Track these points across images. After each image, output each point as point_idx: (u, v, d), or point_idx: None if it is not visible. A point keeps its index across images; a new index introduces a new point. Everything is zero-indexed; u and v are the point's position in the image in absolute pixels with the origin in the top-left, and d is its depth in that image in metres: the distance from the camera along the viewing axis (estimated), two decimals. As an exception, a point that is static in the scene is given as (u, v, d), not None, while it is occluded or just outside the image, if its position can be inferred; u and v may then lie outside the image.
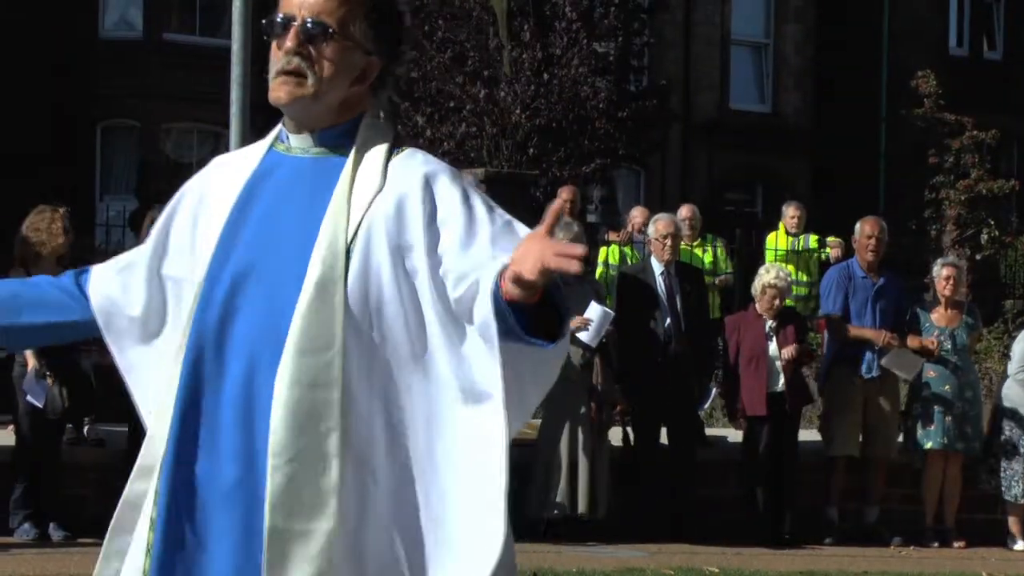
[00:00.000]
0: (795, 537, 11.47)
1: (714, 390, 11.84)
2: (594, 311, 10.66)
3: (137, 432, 7.29)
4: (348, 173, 3.24)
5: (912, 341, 11.69)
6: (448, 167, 3.29)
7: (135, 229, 12.91)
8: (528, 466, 10.97)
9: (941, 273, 11.97)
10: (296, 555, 3.06)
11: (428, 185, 3.19)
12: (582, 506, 10.83)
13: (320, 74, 3.25)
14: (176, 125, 26.71)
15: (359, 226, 3.18)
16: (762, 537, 11.30)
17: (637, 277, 11.48)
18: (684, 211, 14.20)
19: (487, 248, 3.13)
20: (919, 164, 22.76)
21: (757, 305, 11.43)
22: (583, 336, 10.65)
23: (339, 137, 3.31)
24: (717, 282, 13.86)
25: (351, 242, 3.16)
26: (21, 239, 10.35)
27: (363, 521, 3.10)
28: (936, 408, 11.67)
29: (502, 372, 3.05)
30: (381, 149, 3.28)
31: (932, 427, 11.67)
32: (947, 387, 11.72)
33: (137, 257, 3.40)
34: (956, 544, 11.75)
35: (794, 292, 14.47)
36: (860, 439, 11.77)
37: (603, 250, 14.90)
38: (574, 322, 10.64)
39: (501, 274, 2.98)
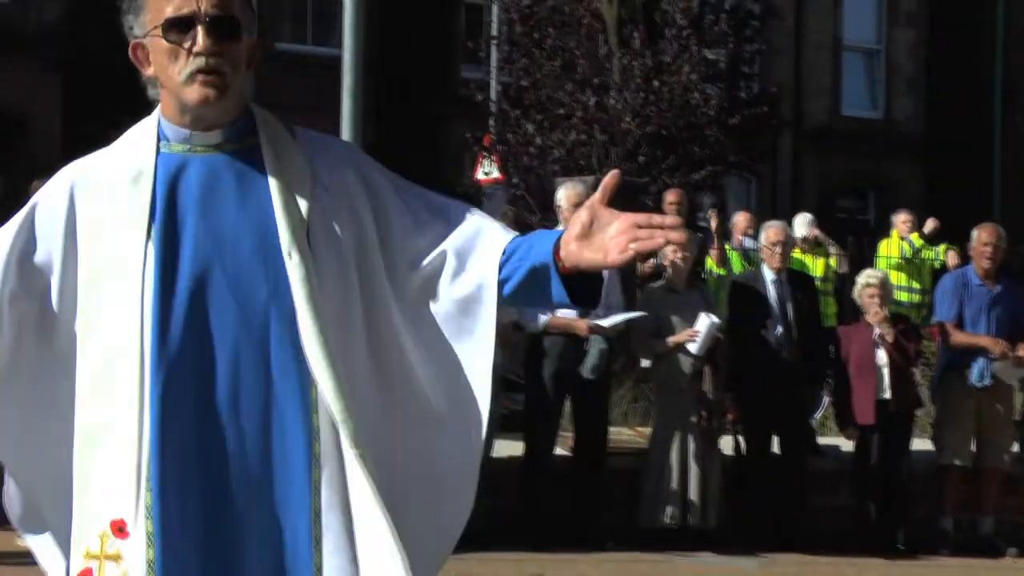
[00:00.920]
0: (909, 548, 11.35)
1: (826, 399, 11.74)
2: (702, 323, 10.62)
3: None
4: (272, 166, 3.21)
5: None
6: (361, 153, 3.40)
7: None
8: (639, 474, 10.96)
9: (1057, 282, 11.82)
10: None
11: (363, 179, 3.26)
12: (693, 515, 10.80)
13: (233, 70, 3.17)
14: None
15: (309, 219, 3.18)
16: (875, 547, 11.19)
17: (748, 285, 11.41)
18: (805, 228, 14.29)
19: (443, 224, 3.27)
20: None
21: (865, 313, 11.34)
22: (689, 346, 10.63)
23: (243, 129, 3.25)
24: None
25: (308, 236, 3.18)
26: None
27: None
28: (1052, 418, 11.54)
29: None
30: (286, 136, 3.29)
31: (1048, 436, 11.54)
32: (1064, 397, 11.58)
33: None
34: (1074, 556, 11.59)
35: (907, 299, 14.36)
36: (973, 448, 11.64)
37: (708, 259, 14.87)
38: (683, 335, 10.61)
39: (556, 246, 3.11)
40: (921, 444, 11.95)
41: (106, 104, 23.92)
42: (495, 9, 22.22)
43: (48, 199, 3.23)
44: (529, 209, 18.89)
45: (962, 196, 29.32)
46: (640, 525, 10.88)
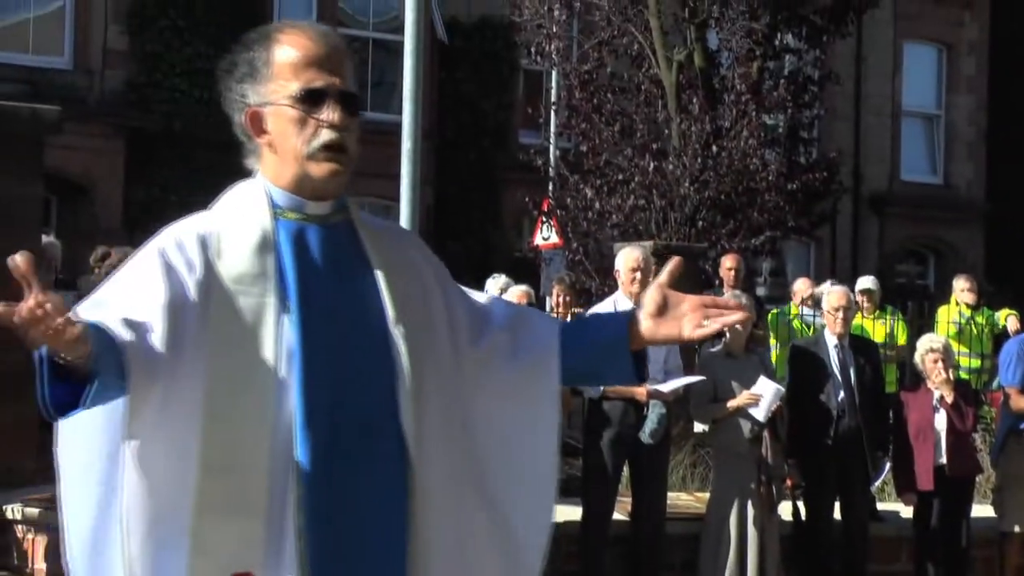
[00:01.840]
0: (970, 615, 11.26)
1: (887, 464, 11.67)
2: (767, 388, 10.59)
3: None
4: (369, 242, 3.36)
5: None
6: (418, 237, 3.66)
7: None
8: (697, 539, 10.92)
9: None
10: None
11: (427, 260, 3.47)
12: (752, 581, 10.74)
13: (354, 146, 3.28)
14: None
15: (404, 294, 3.34)
16: (936, 614, 11.11)
17: (810, 350, 11.38)
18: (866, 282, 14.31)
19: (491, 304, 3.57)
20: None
21: (927, 379, 11.29)
22: (754, 412, 10.60)
23: (342, 204, 3.38)
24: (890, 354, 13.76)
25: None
26: None
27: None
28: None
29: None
30: (359, 211, 3.44)
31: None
32: None
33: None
34: None
35: (967, 364, 14.28)
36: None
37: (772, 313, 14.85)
38: (742, 398, 10.59)
39: (629, 324, 3.35)
40: (982, 510, 11.85)
41: (164, 171, 24.24)
42: (555, 75, 22.32)
43: (180, 250, 3.24)
44: (587, 274, 18.93)
45: (1022, 260, 29.18)
46: (699, 591, 10.84)
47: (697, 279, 15.08)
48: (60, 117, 12.30)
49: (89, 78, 24.44)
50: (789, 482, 11.31)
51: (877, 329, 14.08)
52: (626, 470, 10.97)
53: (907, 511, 11.72)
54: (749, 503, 10.69)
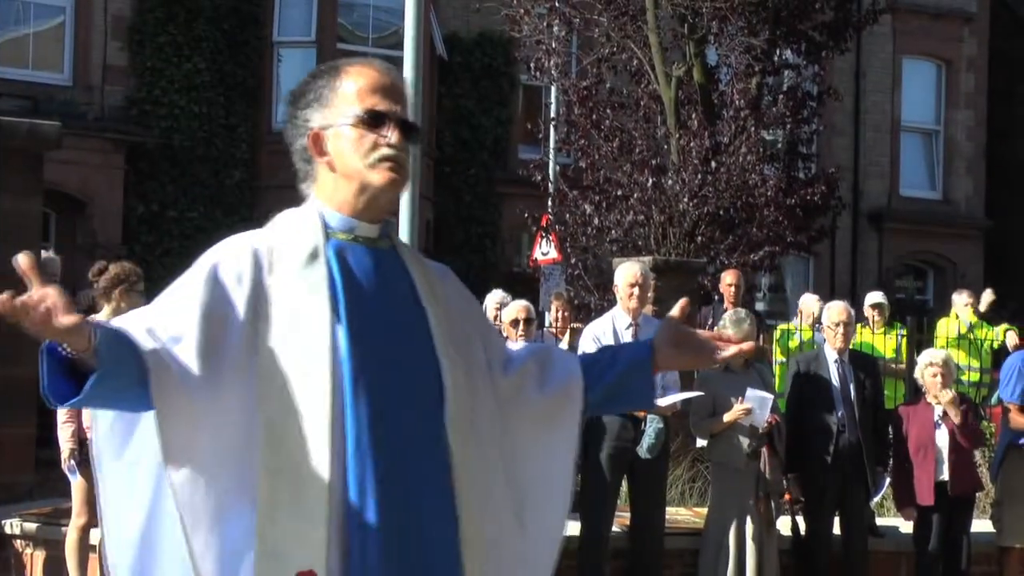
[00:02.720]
0: (970, 630, 11.24)
1: (887, 480, 11.67)
2: (754, 397, 10.58)
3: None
4: (413, 268, 3.57)
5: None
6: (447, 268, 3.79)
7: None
8: (696, 554, 10.92)
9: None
10: None
11: (459, 290, 3.71)
12: (751, 596, 10.73)
13: (408, 170, 3.50)
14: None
15: (447, 320, 3.53)
16: (936, 630, 11.09)
17: (809, 365, 11.38)
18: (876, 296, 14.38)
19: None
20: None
21: (926, 393, 11.28)
22: (751, 421, 10.58)
23: (387, 229, 3.59)
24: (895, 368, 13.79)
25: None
26: None
27: None
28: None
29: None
30: (400, 240, 3.67)
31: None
32: None
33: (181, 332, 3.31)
34: None
35: (966, 379, 14.27)
36: (1035, 530, 11.52)
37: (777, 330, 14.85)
38: (734, 412, 10.57)
39: (651, 353, 3.65)
40: (980, 525, 11.85)
41: (163, 187, 24.26)
42: (554, 90, 22.35)
43: (231, 263, 3.38)
44: (586, 289, 18.93)
45: (1021, 276, 29.20)
46: (698, 606, 10.83)
47: (696, 294, 15.08)
48: (59, 132, 12.33)
49: (88, 94, 24.47)
50: (787, 497, 11.30)
51: (887, 344, 14.08)
52: (625, 485, 10.97)
53: (906, 526, 11.70)
54: (748, 518, 10.68)
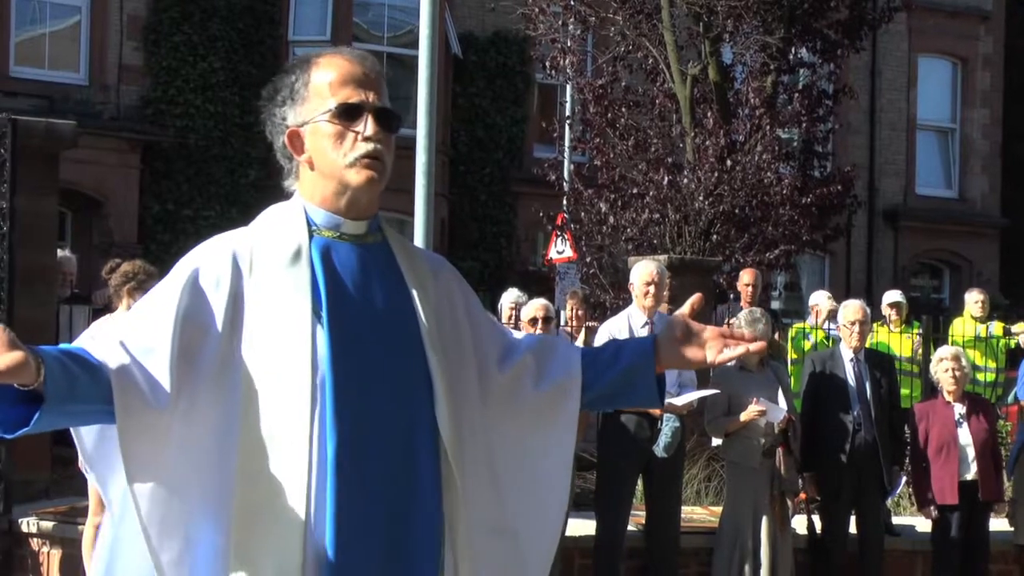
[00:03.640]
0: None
1: (903, 478, 11.64)
2: (772, 412, 10.56)
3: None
4: (404, 263, 3.49)
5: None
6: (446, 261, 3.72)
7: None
8: (711, 553, 10.91)
9: None
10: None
11: (457, 284, 3.62)
12: (767, 595, 10.73)
13: (389, 160, 3.41)
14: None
15: (437, 314, 3.48)
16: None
17: (825, 364, 11.36)
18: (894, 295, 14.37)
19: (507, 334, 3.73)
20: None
21: (943, 391, 11.26)
22: (769, 418, 10.56)
23: (376, 225, 3.50)
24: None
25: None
26: None
27: None
28: None
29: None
30: (402, 237, 3.59)
31: None
32: None
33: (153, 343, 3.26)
34: None
35: (982, 379, 14.24)
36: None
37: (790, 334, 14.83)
38: (751, 413, 10.55)
39: (654, 351, 3.56)
40: (996, 523, 11.82)
41: (178, 186, 24.30)
42: (569, 89, 22.34)
43: (210, 265, 3.33)
44: (601, 287, 18.92)
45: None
46: (714, 605, 10.83)
47: (711, 293, 15.06)
48: (75, 132, 12.34)
49: (104, 93, 24.51)
50: (803, 496, 11.29)
51: (904, 344, 14.06)
52: (640, 483, 10.96)
53: (923, 525, 11.69)
54: (763, 517, 10.67)
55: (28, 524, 11.23)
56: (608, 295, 18.54)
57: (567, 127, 22.17)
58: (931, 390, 12.01)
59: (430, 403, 3.38)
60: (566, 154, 22.27)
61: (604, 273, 19.31)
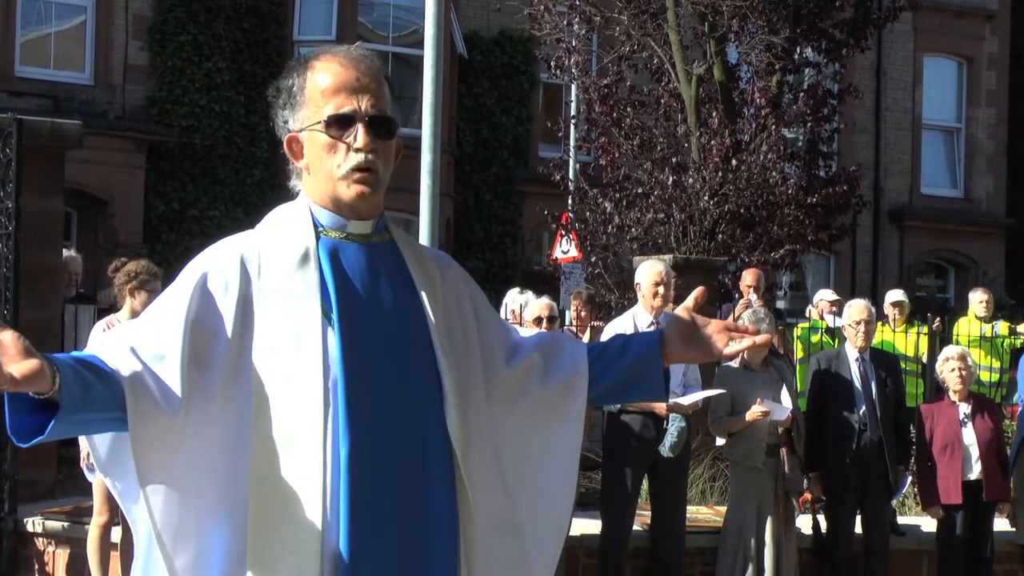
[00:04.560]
0: (991, 629, 11.20)
1: (908, 478, 11.64)
2: (776, 411, 10.54)
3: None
4: (412, 262, 3.48)
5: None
6: (452, 259, 3.72)
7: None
8: (716, 552, 10.91)
9: None
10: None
11: (465, 282, 3.62)
12: (772, 594, 10.72)
13: (385, 167, 3.38)
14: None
15: (444, 313, 3.48)
16: (958, 628, 11.06)
17: (830, 363, 11.35)
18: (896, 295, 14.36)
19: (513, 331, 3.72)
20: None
21: (949, 391, 11.26)
22: (774, 418, 10.54)
23: (383, 224, 3.48)
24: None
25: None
26: None
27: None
28: None
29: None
30: (408, 236, 3.58)
31: None
32: None
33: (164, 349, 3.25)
34: None
35: (987, 379, 14.24)
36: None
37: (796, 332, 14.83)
38: (755, 414, 10.54)
39: (660, 344, 3.56)
40: (999, 523, 11.81)
41: (184, 186, 24.31)
42: (574, 88, 22.33)
43: (218, 269, 3.32)
44: (607, 287, 18.92)
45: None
46: (719, 605, 10.82)
47: (716, 293, 15.05)
48: (81, 132, 12.35)
49: (110, 93, 24.53)
50: (807, 496, 11.29)
51: (908, 343, 14.05)
52: (645, 483, 10.96)
53: (928, 525, 11.68)
54: (767, 517, 10.67)
55: (33, 524, 11.24)
56: (613, 295, 18.54)
57: (572, 127, 22.17)
58: (936, 390, 12.00)
59: (440, 402, 3.38)
60: (571, 154, 22.27)
61: (609, 273, 19.31)
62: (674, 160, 19.07)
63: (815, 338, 14.44)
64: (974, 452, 11.03)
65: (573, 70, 20.63)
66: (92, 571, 10.23)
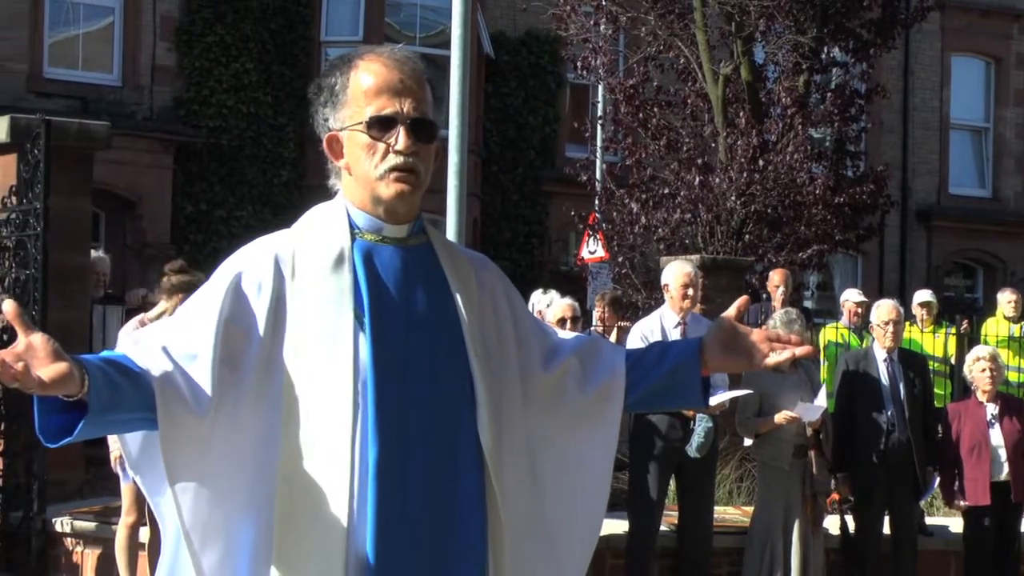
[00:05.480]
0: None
1: (937, 479, 11.61)
2: (809, 412, 10.51)
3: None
4: (447, 265, 3.47)
5: None
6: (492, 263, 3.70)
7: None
8: (742, 553, 10.89)
9: None
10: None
11: (503, 284, 3.60)
12: (799, 595, 10.70)
13: (425, 169, 3.37)
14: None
15: (480, 317, 3.46)
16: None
17: (859, 364, 11.32)
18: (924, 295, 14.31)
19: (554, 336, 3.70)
20: None
21: (978, 391, 11.22)
22: (805, 419, 10.52)
23: (420, 227, 3.47)
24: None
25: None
26: None
27: None
28: None
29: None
30: (446, 238, 3.58)
31: None
32: None
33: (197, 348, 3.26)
34: None
35: (1015, 379, 14.18)
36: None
37: (821, 332, 14.79)
38: (781, 417, 10.51)
39: (700, 352, 3.53)
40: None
41: (211, 186, 24.37)
42: (601, 89, 22.32)
43: (252, 269, 3.33)
44: (634, 287, 18.90)
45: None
46: (746, 605, 10.81)
47: (743, 293, 15.01)
48: (109, 132, 12.40)
49: (138, 94, 24.59)
50: (835, 497, 11.26)
51: (935, 343, 14.01)
52: (672, 483, 10.95)
53: (956, 525, 11.64)
54: (795, 517, 10.64)
55: (62, 524, 11.28)
56: (640, 295, 18.52)
57: (599, 127, 22.15)
58: (964, 390, 11.96)
59: (472, 407, 3.37)
60: (598, 154, 22.26)
61: (636, 273, 19.30)
62: (700, 160, 19.05)
63: (832, 335, 14.39)
64: (1002, 453, 11.00)
65: (599, 70, 20.61)
66: (120, 571, 10.26)
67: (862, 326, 14.02)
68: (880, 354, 11.21)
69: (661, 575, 10.92)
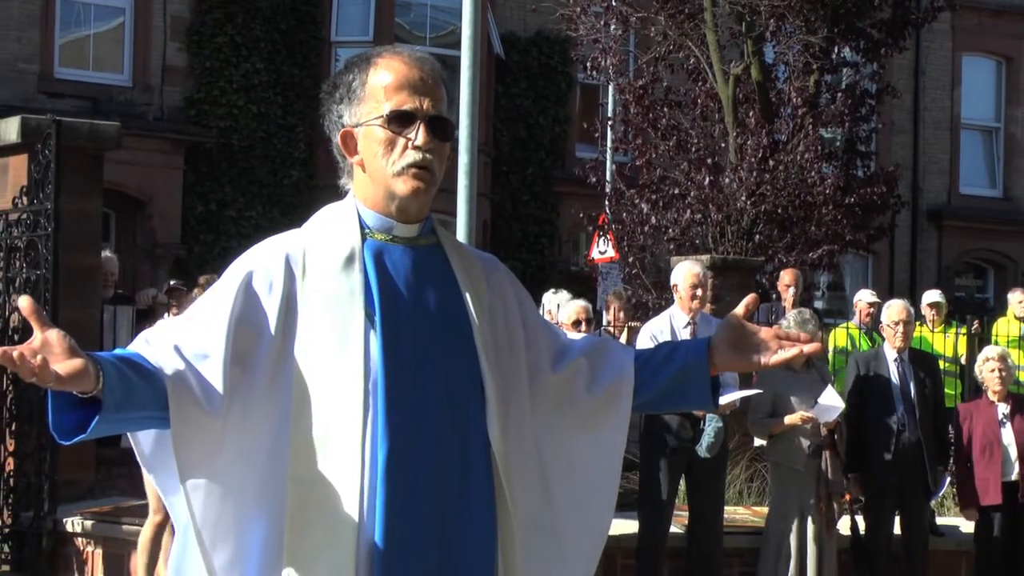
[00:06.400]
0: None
1: (947, 479, 11.59)
2: (825, 413, 10.49)
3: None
4: (457, 266, 3.47)
5: None
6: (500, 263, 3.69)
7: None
8: (754, 553, 10.89)
9: None
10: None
11: (512, 285, 3.60)
12: (810, 596, 10.69)
13: (440, 168, 3.38)
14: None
15: (490, 317, 3.47)
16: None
17: (869, 364, 11.31)
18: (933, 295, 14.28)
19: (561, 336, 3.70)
20: None
21: (988, 391, 11.21)
22: (821, 419, 10.50)
23: (429, 227, 3.48)
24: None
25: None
26: None
27: None
28: None
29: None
30: (455, 239, 3.58)
31: None
32: None
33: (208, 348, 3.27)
34: None
35: (1024, 378, 14.17)
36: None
37: (832, 334, 14.79)
38: (795, 417, 10.50)
39: (708, 352, 3.54)
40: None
41: (221, 187, 24.39)
42: (611, 89, 22.32)
43: (263, 268, 3.34)
44: (644, 288, 18.90)
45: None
46: (757, 605, 10.80)
47: (754, 292, 14.99)
48: (119, 133, 12.41)
49: (148, 94, 24.62)
50: (847, 497, 11.25)
51: (946, 343, 13.99)
52: (683, 483, 10.94)
53: (967, 526, 11.63)
54: (808, 518, 10.63)
55: (73, 524, 11.29)
56: (651, 295, 18.51)
57: (609, 127, 22.15)
58: (975, 390, 11.95)
59: (482, 406, 3.37)
60: (608, 154, 22.25)
61: (646, 273, 19.29)
62: (711, 160, 19.04)
63: (842, 340, 14.39)
64: (1013, 453, 10.99)
65: (609, 71, 20.62)
66: (139, 567, 10.25)
67: (873, 327, 14.01)
68: (891, 354, 11.19)
69: (672, 575, 10.92)
